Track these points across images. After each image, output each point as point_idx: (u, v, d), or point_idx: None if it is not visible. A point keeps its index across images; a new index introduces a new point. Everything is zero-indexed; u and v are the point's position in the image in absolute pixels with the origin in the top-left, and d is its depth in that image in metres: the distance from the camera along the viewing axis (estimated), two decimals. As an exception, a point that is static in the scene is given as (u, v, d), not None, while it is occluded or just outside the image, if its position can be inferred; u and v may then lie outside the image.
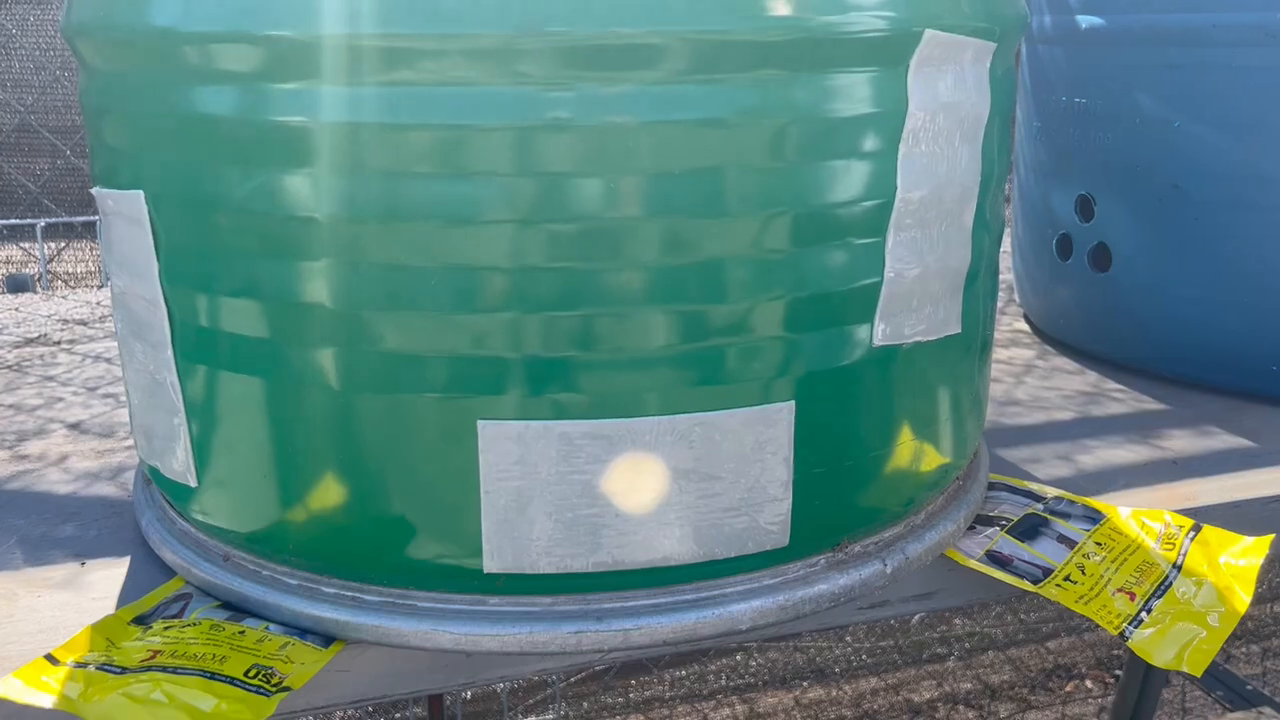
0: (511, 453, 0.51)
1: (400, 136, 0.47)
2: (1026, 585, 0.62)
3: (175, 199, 0.53)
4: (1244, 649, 2.25)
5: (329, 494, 0.54)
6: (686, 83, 0.47)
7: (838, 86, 0.50)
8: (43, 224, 1.21)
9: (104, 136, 0.57)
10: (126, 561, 0.64)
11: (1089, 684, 2.14)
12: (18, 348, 1.03)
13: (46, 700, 0.48)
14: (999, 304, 1.18)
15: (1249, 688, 1.63)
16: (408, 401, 0.51)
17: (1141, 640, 0.59)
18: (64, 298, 1.17)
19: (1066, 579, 0.63)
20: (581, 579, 0.54)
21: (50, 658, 0.51)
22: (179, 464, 0.58)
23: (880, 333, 0.55)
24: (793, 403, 0.53)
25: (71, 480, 0.76)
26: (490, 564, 0.53)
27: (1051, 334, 1.07)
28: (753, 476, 0.53)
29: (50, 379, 0.94)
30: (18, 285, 1.18)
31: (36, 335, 1.05)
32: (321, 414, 0.53)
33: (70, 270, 1.29)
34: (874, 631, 2.07)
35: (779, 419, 0.53)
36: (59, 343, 1.04)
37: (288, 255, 0.50)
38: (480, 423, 0.51)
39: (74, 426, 0.84)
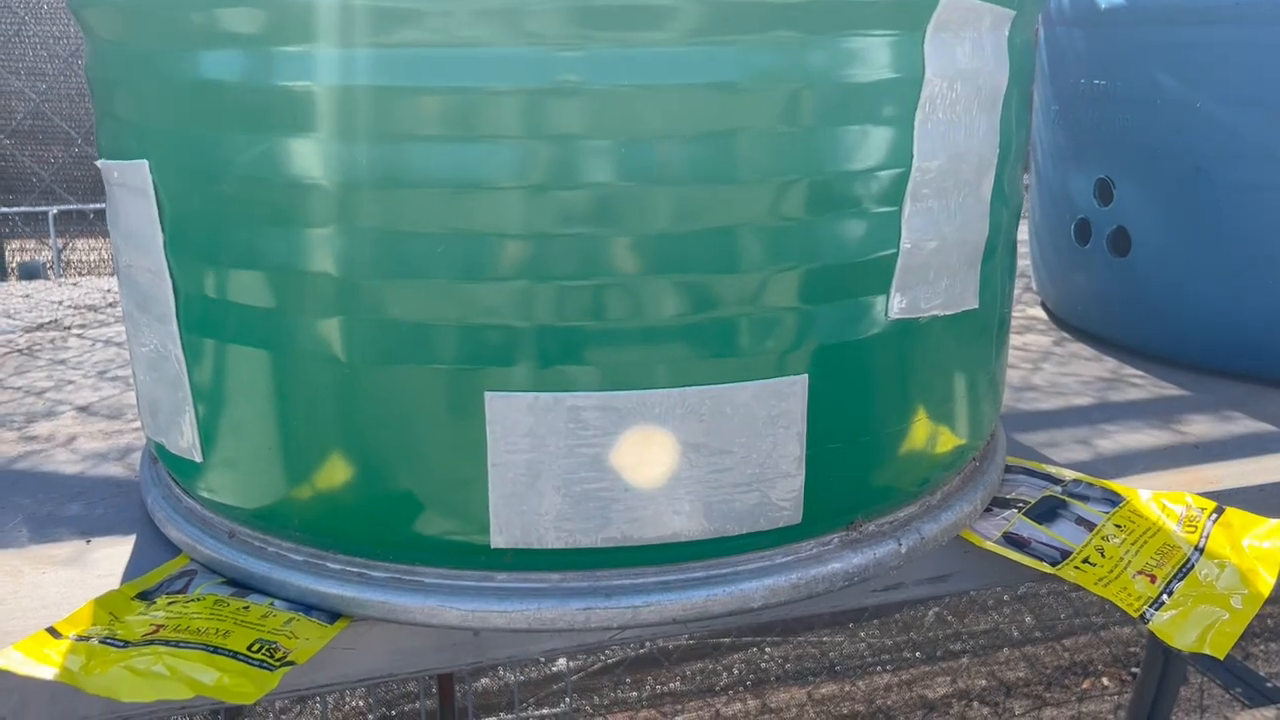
0: (520, 425, 0.50)
1: (406, 100, 0.47)
2: (1045, 567, 0.61)
3: (179, 167, 0.52)
4: (1263, 647, 2.22)
5: (335, 468, 0.53)
6: (699, 44, 0.46)
7: (854, 50, 0.49)
8: (55, 211, 1.20)
9: (110, 107, 0.56)
10: (132, 539, 0.64)
11: (1105, 681, 2.12)
12: (29, 332, 1.03)
13: (48, 672, 0.47)
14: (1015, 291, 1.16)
15: (1269, 685, 1.60)
16: (415, 373, 0.50)
17: (1162, 622, 0.58)
18: (75, 284, 1.17)
19: (1085, 561, 0.61)
20: (590, 555, 0.53)
21: (52, 631, 0.50)
22: (184, 439, 0.58)
23: (896, 305, 0.54)
24: (806, 376, 0.52)
25: (79, 460, 0.75)
26: (498, 539, 0.52)
27: (1068, 320, 1.06)
28: (765, 451, 0.52)
29: (60, 363, 0.94)
30: (30, 272, 1.18)
31: (48, 320, 1.05)
32: (327, 386, 0.52)
33: (83, 258, 1.29)
34: (888, 628, 2.05)
35: (792, 392, 0.52)
36: (69, 328, 1.04)
37: (293, 223, 0.49)
38: (488, 394, 0.50)
39: (83, 409, 0.84)
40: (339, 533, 0.55)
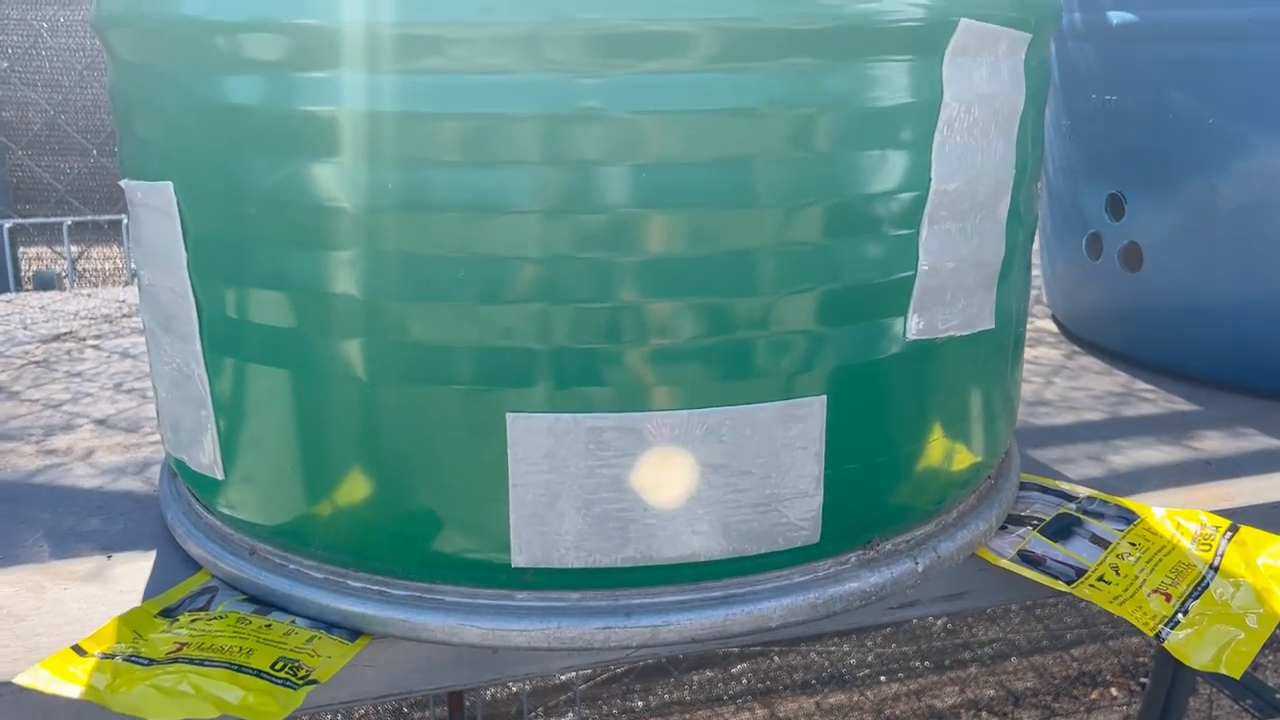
0: (541, 446, 0.50)
1: (428, 125, 0.47)
2: (1060, 585, 0.61)
3: (204, 190, 0.53)
4: (1271, 657, 2.22)
5: (356, 487, 0.54)
6: (717, 71, 0.47)
7: (872, 75, 0.49)
8: (69, 222, 1.22)
9: (133, 128, 0.57)
10: (153, 555, 0.64)
11: (1114, 692, 2.11)
12: (45, 343, 1.04)
13: (73, 691, 0.47)
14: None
15: (1279, 696, 1.60)
16: (435, 394, 0.51)
17: (1177, 642, 0.58)
18: (89, 295, 1.18)
19: (1100, 579, 0.62)
20: (610, 575, 0.53)
21: (77, 649, 0.51)
22: (206, 457, 0.58)
23: (914, 327, 0.54)
24: (824, 397, 0.53)
25: (98, 475, 0.76)
26: (519, 559, 0.52)
27: (1080, 335, 1.06)
28: (783, 471, 0.53)
29: (77, 375, 0.94)
30: (45, 283, 1.19)
31: (64, 331, 1.06)
32: (348, 406, 0.52)
33: (97, 268, 1.30)
34: (897, 636, 2.05)
35: (810, 413, 0.52)
36: (85, 339, 1.04)
37: (315, 245, 0.50)
38: (509, 415, 0.50)
39: (100, 422, 0.84)
40: (360, 551, 0.55)
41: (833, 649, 2.01)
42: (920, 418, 0.57)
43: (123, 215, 1.29)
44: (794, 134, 0.49)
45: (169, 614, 0.55)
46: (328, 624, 0.55)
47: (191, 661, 0.49)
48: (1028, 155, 0.60)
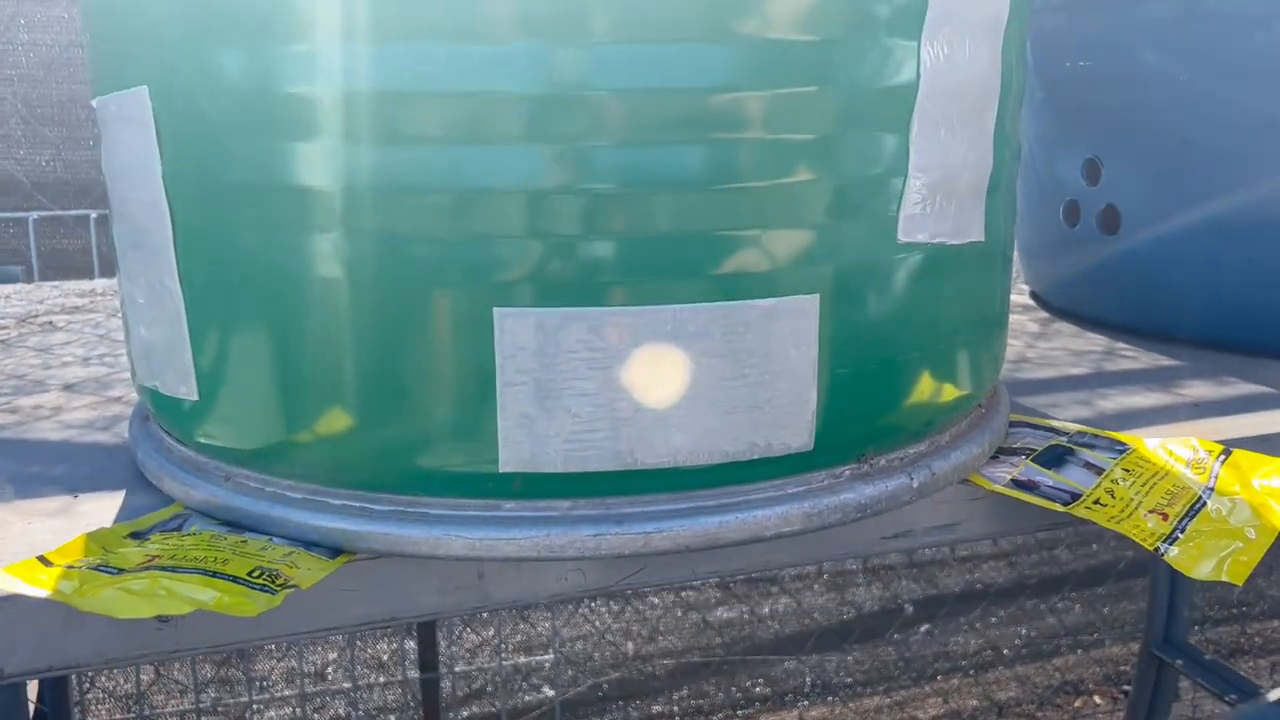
0: (530, 342, 0.49)
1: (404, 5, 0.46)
2: (1056, 506, 0.60)
3: (178, 88, 0.51)
4: (1252, 663, 2.21)
5: (336, 399, 0.52)
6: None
7: (860, -36, 0.49)
8: (35, 217, 1.19)
9: (107, 42, 0.56)
10: (121, 494, 0.61)
11: (1097, 700, 2.10)
12: (10, 326, 1.01)
13: (40, 594, 0.45)
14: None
15: (1263, 690, 1.59)
16: (419, 290, 0.49)
17: (1177, 556, 0.57)
18: (55, 286, 1.15)
19: (1096, 502, 0.61)
20: (601, 482, 0.51)
21: (43, 559, 0.48)
22: (180, 377, 0.56)
23: (905, 229, 0.54)
24: (818, 296, 0.52)
25: (65, 429, 0.73)
26: (507, 463, 0.50)
27: (1059, 304, 1.06)
28: (777, 372, 0.51)
29: (45, 350, 0.92)
30: (6, 278, 1.16)
31: (31, 315, 1.03)
32: (328, 310, 0.51)
33: (61, 264, 1.28)
34: (879, 649, 2.03)
35: (804, 310, 0.51)
36: (52, 323, 1.02)
37: (290, 137, 0.49)
38: (497, 310, 0.49)
39: (69, 386, 0.82)
40: (340, 468, 0.53)
41: (814, 657, 1.98)
42: (913, 326, 0.56)
43: (90, 211, 1.27)
44: (784, 20, 0.48)
45: (138, 536, 0.53)
46: (306, 543, 0.53)
47: (164, 569, 0.47)
48: (1012, 73, 0.59)
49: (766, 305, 0.51)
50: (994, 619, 2.11)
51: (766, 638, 1.97)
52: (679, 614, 1.92)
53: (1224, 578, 0.55)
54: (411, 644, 1.62)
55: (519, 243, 0.48)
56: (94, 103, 0.58)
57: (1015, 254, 1.13)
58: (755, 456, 0.52)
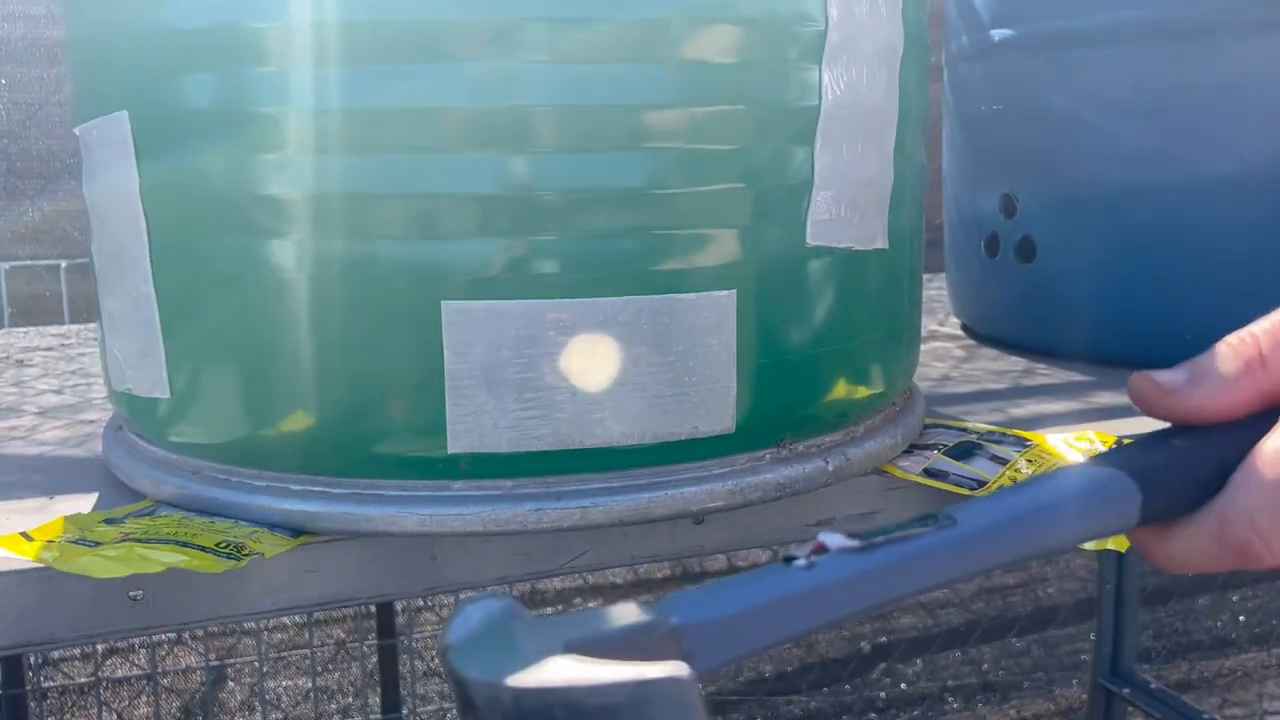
0: (475, 332, 0.54)
1: (363, 31, 0.52)
2: (964, 491, 0.65)
3: (153, 111, 0.57)
4: (1205, 701, 2.26)
5: (298, 393, 0.57)
6: (628, -20, 0.53)
7: (776, 2, 0.56)
8: (7, 267, 1.24)
9: (90, 79, 0.61)
10: (95, 495, 0.65)
11: (1053, 736, 2.13)
12: (-16, 363, 1.05)
13: (21, 562, 0.49)
14: (937, 319, 1.23)
15: (1205, 716, 1.64)
16: (374, 288, 0.54)
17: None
18: (25, 332, 1.19)
19: (1000, 488, 0.66)
20: (541, 462, 0.56)
21: (25, 535, 0.52)
22: (152, 379, 0.60)
23: (813, 233, 0.60)
24: (734, 291, 0.57)
25: (40, 446, 0.77)
26: (454, 445, 0.55)
27: (984, 332, 1.12)
28: (699, 359, 0.57)
29: (20, 383, 0.96)
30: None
31: (4, 356, 1.07)
32: (289, 310, 0.56)
33: (32, 310, 1.32)
34: (836, 687, 2.06)
35: (722, 304, 0.57)
36: (25, 362, 1.05)
37: (252, 149, 0.54)
38: (444, 303, 0.54)
39: (44, 411, 0.86)
40: (301, 456, 0.58)
41: (770, 698, 2.01)
42: (824, 323, 0.61)
43: (61, 260, 1.31)
44: (701, 44, 0.54)
45: (112, 522, 0.57)
46: (270, 525, 0.57)
47: (138, 541, 0.51)
48: (911, 101, 0.66)
49: (689, 299, 0.56)
50: (946, 660, 2.14)
51: (730, 682, 2.00)
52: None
53: (1109, 546, 0.61)
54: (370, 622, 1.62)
55: (467, 243, 0.54)
56: (77, 130, 0.63)
57: (944, 290, 1.20)
58: (682, 438, 0.57)
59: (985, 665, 2.17)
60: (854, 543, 0.34)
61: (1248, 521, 0.35)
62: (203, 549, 0.51)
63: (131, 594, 0.54)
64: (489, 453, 0.55)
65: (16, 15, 1.29)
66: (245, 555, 0.51)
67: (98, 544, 0.51)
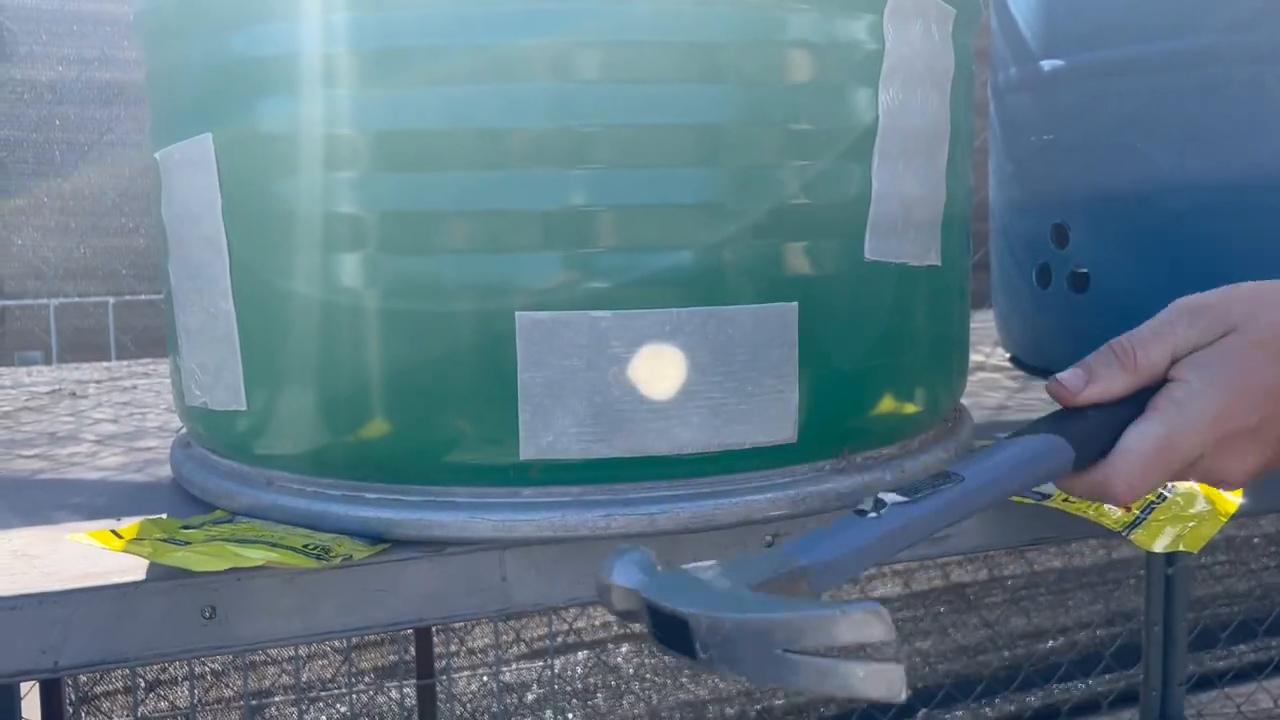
0: (546, 343, 0.59)
1: (423, 56, 0.58)
2: (1029, 502, 0.69)
3: (234, 134, 0.62)
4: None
5: (373, 403, 0.61)
6: (692, 3, 0.58)
7: (831, 23, 0.61)
8: (55, 304, 1.30)
9: (169, 96, 0.67)
10: (162, 517, 0.70)
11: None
12: (39, 396, 1.10)
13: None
14: (984, 351, 1.27)
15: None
16: (447, 300, 0.59)
17: (1139, 536, 0.66)
18: (75, 367, 1.25)
19: (1065, 500, 0.70)
20: (609, 470, 0.60)
21: (115, 532, 0.57)
22: (230, 393, 0.65)
23: (871, 247, 0.64)
24: (796, 304, 0.62)
25: (101, 471, 0.82)
26: (526, 452, 0.60)
27: (1035, 364, 1.16)
28: (762, 369, 0.61)
29: (76, 414, 1.01)
30: (26, 362, 1.27)
31: (57, 388, 1.13)
32: (363, 322, 0.61)
33: (79, 346, 1.39)
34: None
35: (785, 316, 0.61)
36: (77, 394, 1.11)
37: (325, 168, 0.59)
38: (518, 314, 0.59)
39: (101, 440, 0.91)
40: (375, 466, 0.62)
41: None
42: (881, 336, 0.66)
43: (108, 297, 1.38)
44: (763, 67, 0.60)
45: (190, 528, 0.62)
46: (347, 533, 0.61)
47: (227, 541, 0.56)
48: (960, 122, 0.71)
49: (752, 310, 0.61)
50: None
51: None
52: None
53: (1181, 548, 0.64)
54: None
55: (537, 257, 0.59)
56: (157, 155, 0.69)
57: (994, 319, 1.24)
58: (746, 447, 0.62)
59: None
60: (904, 497, 0.51)
61: (1119, 472, 0.56)
62: (291, 549, 0.55)
63: (205, 612, 0.57)
64: (559, 460, 0.60)
65: (70, 59, 1.37)
66: (334, 556, 0.55)
67: (187, 543, 0.56)
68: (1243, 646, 2.37)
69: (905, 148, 0.65)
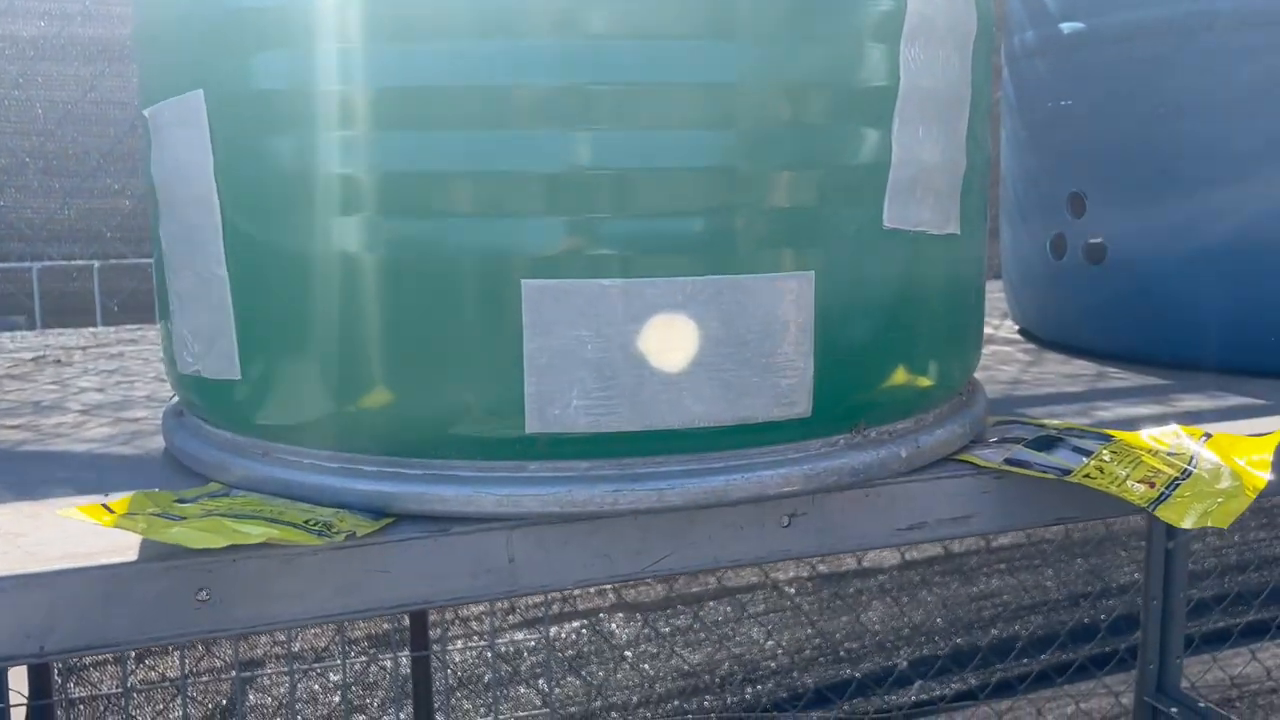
0: (554, 311, 0.58)
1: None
2: (1049, 476, 0.68)
3: (227, 91, 0.61)
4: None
5: (372, 372, 0.60)
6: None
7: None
8: (39, 267, 1.29)
9: (157, 53, 0.66)
10: (155, 490, 0.69)
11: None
12: (22, 364, 1.09)
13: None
14: (992, 322, 1.26)
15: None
16: (451, 265, 0.58)
17: (1167, 511, 0.65)
18: (60, 333, 1.24)
19: (1086, 476, 0.69)
20: (617, 443, 0.60)
21: (106, 506, 0.56)
22: (224, 360, 0.64)
23: (889, 214, 0.63)
24: (813, 272, 0.61)
25: (88, 443, 0.81)
26: (532, 424, 0.59)
27: (1047, 337, 1.15)
28: (776, 339, 0.60)
29: (61, 382, 1.00)
30: (7, 327, 1.25)
31: (40, 355, 1.11)
32: (363, 283, 0.59)
33: (64, 310, 1.37)
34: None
35: (801, 285, 0.60)
36: (62, 361, 1.10)
37: (326, 128, 0.58)
38: (524, 281, 0.57)
39: (88, 409, 0.90)
40: (374, 437, 0.61)
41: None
42: (898, 306, 0.65)
43: (94, 261, 1.36)
44: (778, 22, 0.58)
45: (185, 501, 0.61)
46: (346, 506, 0.60)
47: (225, 516, 0.55)
48: (981, 87, 0.70)
49: (767, 279, 0.60)
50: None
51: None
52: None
53: (1209, 523, 0.64)
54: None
55: (543, 221, 0.57)
56: (146, 112, 0.67)
57: (1003, 290, 1.23)
58: (759, 421, 0.61)
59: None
60: None
61: None
62: (291, 525, 0.54)
63: (199, 595, 0.56)
64: (566, 433, 0.59)
65: (52, 13, 1.35)
66: (336, 533, 0.54)
67: (183, 518, 0.55)
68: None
69: (926, 111, 0.64)
